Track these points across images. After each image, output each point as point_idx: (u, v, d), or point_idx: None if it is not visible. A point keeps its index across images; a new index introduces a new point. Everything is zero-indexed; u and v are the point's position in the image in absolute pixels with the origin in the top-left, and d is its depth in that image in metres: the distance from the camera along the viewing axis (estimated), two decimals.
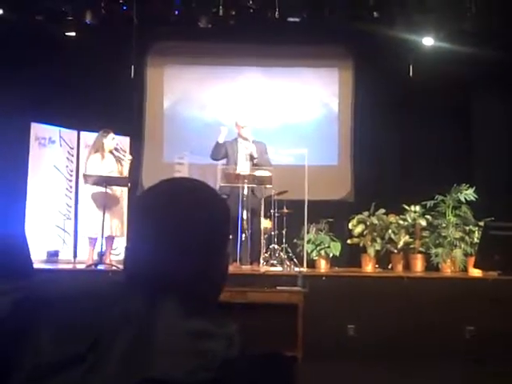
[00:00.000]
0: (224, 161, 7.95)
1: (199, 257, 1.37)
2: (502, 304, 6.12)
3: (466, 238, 7.41)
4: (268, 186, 7.46)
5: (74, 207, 8.44)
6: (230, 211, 1.49)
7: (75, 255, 8.27)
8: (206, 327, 1.28)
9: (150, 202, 1.42)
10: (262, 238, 7.62)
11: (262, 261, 7.33)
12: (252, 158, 7.65)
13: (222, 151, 7.78)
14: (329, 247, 7.55)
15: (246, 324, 4.53)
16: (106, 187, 7.25)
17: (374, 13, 8.41)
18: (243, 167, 7.63)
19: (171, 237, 1.37)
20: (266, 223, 7.84)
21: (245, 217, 7.30)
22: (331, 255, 7.59)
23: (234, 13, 8.47)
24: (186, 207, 1.39)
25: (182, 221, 1.37)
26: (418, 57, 8.77)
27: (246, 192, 7.34)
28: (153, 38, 9.29)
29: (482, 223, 7.11)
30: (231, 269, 7.03)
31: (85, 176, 7.39)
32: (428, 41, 8.74)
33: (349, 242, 7.75)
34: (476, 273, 6.86)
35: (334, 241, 7.63)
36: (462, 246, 7.34)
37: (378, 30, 8.52)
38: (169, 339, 1.25)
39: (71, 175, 8.52)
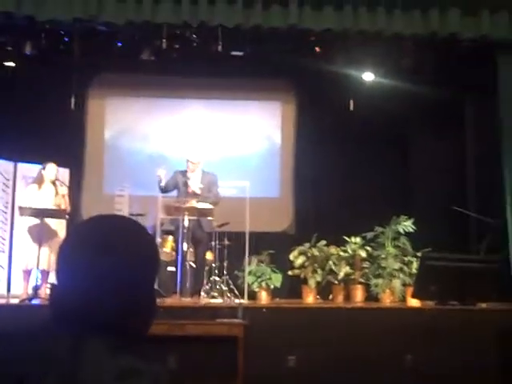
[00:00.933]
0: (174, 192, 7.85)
1: (124, 294, 1.37)
2: (438, 334, 6.18)
3: (405, 268, 7.50)
4: (209, 218, 7.42)
5: (8, 240, 8.21)
6: (157, 249, 1.52)
7: (9, 289, 8.01)
8: (133, 365, 1.28)
9: (75, 239, 1.43)
10: (204, 270, 7.56)
11: (202, 293, 7.24)
12: (197, 191, 7.59)
13: (170, 184, 7.70)
14: (270, 279, 7.51)
15: (185, 357, 4.43)
16: (42, 219, 7.09)
17: (316, 48, 8.58)
18: (188, 199, 7.56)
19: (94, 274, 1.36)
20: (207, 255, 7.80)
21: (185, 249, 7.22)
22: (272, 287, 7.55)
23: (177, 46, 8.51)
24: (111, 245, 1.39)
25: (106, 259, 1.37)
26: (359, 91, 8.96)
27: (187, 224, 7.27)
28: (95, 69, 9.25)
29: (419, 254, 7.23)
30: (171, 302, 6.95)
31: (20, 208, 7.22)
32: (368, 76, 8.94)
33: (290, 273, 7.74)
34: (414, 303, 6.93)
35: (275, 272, 7.61)
36: (401, 276, 7.43)
37: (319, 64, 8.69)
38: (95, 379, 1.25)
39: (6, 207, 8.31)
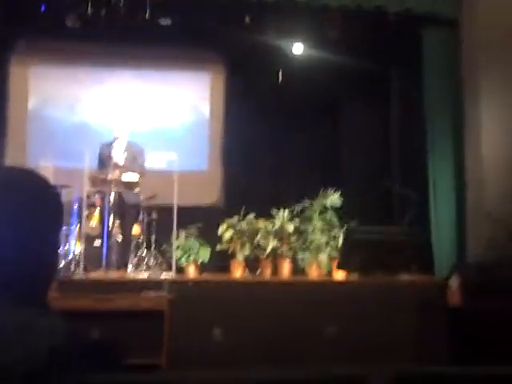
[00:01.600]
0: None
1: (21, 248, 1.38)
2: (362, 305, 6.33)
3: (332, 242, 7.58)
4: (135, 190, 7.30)
5: None
6: (62, 204, 1.49)
7: None
8: (31, 319, 1.32)
9: None
10: (131, 243, 7.46)
11: (129, 267, 7.16)
12: (121, 161, 7.45)
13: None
14: (198, 253, 7.48)
15: (109, 332, 4.36)
16: None
17: (246, 18, 8.48)
18: (113, 171, 7.42)
19: None
20: (134, 229, 7.69)
21: (111, 222, 7.11)
22: (200, 261, 7.53)
23: (103, 13, 8.25)
24: (7, 196, 1.39)
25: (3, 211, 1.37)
26: (288, 63, 8.95)
27: (115, 197, 7.15)
28: (17, 35, 8.88)
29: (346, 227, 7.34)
30: (96, 275, 6.84)
31: None
32: (297, 48, 8.93)
33: (218, 247, 7.72)
34: (340, 276, 7.06)
35: (203, 246, 7.57)
36: (328, 250, 7.50)
37: (249, 35, 8.61)
38: None
39: None
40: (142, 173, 7.49)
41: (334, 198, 7.73)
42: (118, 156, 7.45)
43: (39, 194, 1.45)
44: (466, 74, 7.96)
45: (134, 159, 7.56)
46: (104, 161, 7.53)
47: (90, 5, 7.93)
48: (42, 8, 8.31)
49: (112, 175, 7.23)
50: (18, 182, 1.44)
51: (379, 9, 7.85)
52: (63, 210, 1.50)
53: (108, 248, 7.09)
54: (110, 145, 7.58)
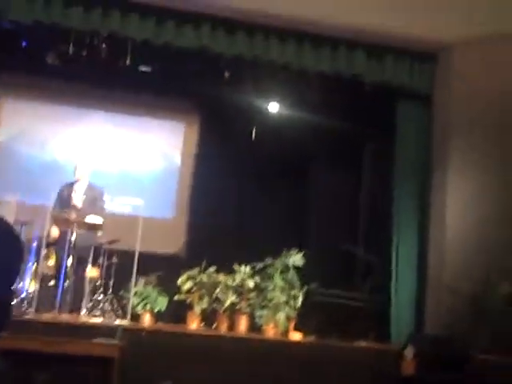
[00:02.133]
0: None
1: None
2: (315, 368, 6.25)
3: (291, 301, 7.54)
4: (99, 233, 7.21)
5: None
6: (23, 251, 1.47)
7: None
8: None
9: None
10: (87, 286, 7.32)
11: (83, 311, 7.01)
12: (82, 202, 7.39)
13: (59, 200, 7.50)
14: (155, 301, 7.37)
15: (57, 377, 4.19)
16: None
17: (225, 73, 8.60)
18: (75, 213, 7.35)
19: None
20: (93, 272, 7.57)
21: (69, 263, 6.98)
22: (157, 310, 7.41)
23: (84, 53, 8.30)
24: None
25: None
26: (263, 121, 9.05)
27: (73, 238, 7.04)
28: None
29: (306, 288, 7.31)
30: (48, 317, 6.67)
31: None
32: (273, 106, 9.05)
33: (176, 297, 7.62)
34: (296, 336, 6.99)
35: (161, 295, 7.47)
36: (286, 309, 7.46)
37: (226, 90, 8.72)
38: None
39: None
40: (102, 215, 7.40)
41: (296, 258, 7.73)
42: (77, 198, 7.39)
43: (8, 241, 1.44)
44: (436, 148, 8.13)
45: (94, 202, 7.49)
46: (63, 201, 7.45)
47: (71, 44, 7.95)
48: (24, 43, 8.32)
49: (75, 216, 7.14)
50: None
51: (357, 77, 8.04)
52: (22, 258, 1.47)
53: (63, 289, 6.95)
54: (70, 185, 7.54)
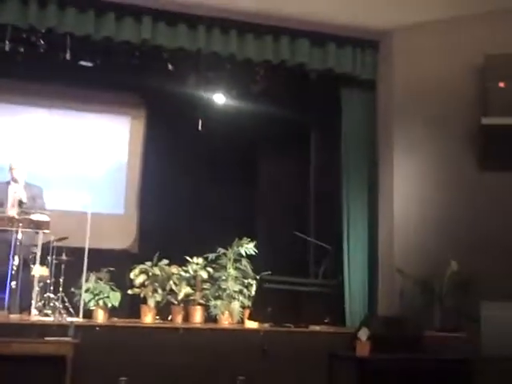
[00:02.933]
0: None
1: None
2: (272, 355, 6.28)
3: (245, 290, 7.57)
4: (45, 231, 7.06)
5: None
6: None
7: None
8: None
9: None
10: (37, 286, 7.15)
11: (33, 310, 6.85)
12: (21, 202, 7.24)
13: None
14: (108, 297, 7.27)
15: (8, 378, 4.10)
16: None
17: (169, 65, 8.53)
18: (11, 211, 7.19)
19: None
20: (42, 270, 7.40)
21: (16, 263, 6.81)
22: (110, 305, 7.31)
23: (22, 49, 8.10)
24: None
25: None
26: (209, 112, 9.02)
27: (20, 237, 6.88)
28: None
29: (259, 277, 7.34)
30: None
31: None
32: (219, 98, 9.03)
33: (129, 292, 7.54)
34: (251, 325, 7.00)
35: (113, 291, 7.38)
36: (240, 298, 7.48)
37: (171, 82, 8.65)
38: None
39: None
40: (44, 213, 7.26)
41: (248, 247, 7.76)
42: (18, 195, 7.24)
43: None
44: (381, 132, 8.26)
45: (33, 200, 7.36)
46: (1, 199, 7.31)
47: (7, 41, 7.74)
48: None
49: (18, 215, 7.00)
50: None
51: (302, 66, 8.10)
52: None
53: (11, 290, 6.79)
54: (6, 184, 7.39)
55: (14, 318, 6.61)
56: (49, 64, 8.27)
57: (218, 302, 7.43)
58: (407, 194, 7.78)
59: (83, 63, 8.39)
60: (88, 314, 7.29)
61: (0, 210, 7.17)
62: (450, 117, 7.64)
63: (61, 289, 7.44)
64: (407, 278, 7.34)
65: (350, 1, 7.52)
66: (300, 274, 8.35)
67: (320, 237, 8.69)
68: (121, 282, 7.82)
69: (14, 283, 6.79)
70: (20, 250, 6.90)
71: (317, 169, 9.66)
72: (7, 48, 7.70)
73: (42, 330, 6.11)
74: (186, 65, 8.53)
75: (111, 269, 7.67)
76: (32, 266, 7.18)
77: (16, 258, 6.81)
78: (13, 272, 6.78)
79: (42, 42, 7.95)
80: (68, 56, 7.84)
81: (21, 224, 6.86)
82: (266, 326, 6.87)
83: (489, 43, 7.42)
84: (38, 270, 7.19)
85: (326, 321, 7.21)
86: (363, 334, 6.20)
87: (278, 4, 7.61)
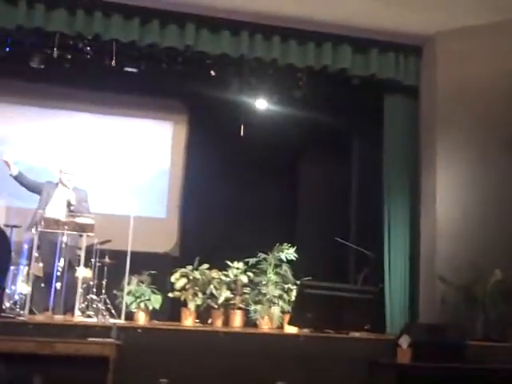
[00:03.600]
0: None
1: None
2: (312, 360, 6.26)
3: (285, 295, 7.57)
4: (90, 233, 7.19)
5: None
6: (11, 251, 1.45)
7: None
8: None
9: None
10: (80, 287, 7.28)
11: (77, 311, 6.98)
12: (69, 204, 7.40)
13: (31, 182, 7.51)
14: (149, 300, 7.35)
15: (53, 378, 4.18)
16: None
17: (211, 71, 8.61)
18: (56, 213, 7.33)
19: None
20: (85, 272, 7.53)
21: (61, 264, 6.96)
22: (151, 308, 7.39)
23: (69, 56, 8.29)
24: None
25: None
26: (251, 118, 9.06)
27: (65, 239, 7.03)
28: None
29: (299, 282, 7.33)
30: (41, 318, 6.64)
31: None
32: (261, 103, 9.07)
33: (170, 295, 7.62)
34: (291, 330, 6.99)
35: (155, 293, 7.45)
36: (281, 303, 7.49)
37: (213, 88, 8.73)
38: None
39: None
40: (88, 217, 7.40)
41: (289, 252, 7.76)
42: (66, 197, 7.39)
43: None
44: (424, 139, 8.18)
45: (80, 203, 7.52)
46: (47, 201, 7.47)
47: (55, 47, 7.92)
48: (7, 48, 8.28)
49: (66, 217, 7.15)
50: None
51: (344, 71, 8.09)
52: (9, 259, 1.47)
53: (56, 291, 6.93)
54: (55, 186, 7.57)
55: (58, 318, 6.74)
56: (95, 70, 8.44)
57: (258, 307, 7.45)
58: (450, 201, 7.69)
59: (128, 69, 8.52)
60: (130, 316, 7.38)
61: (40, 211, 7.31)
62: (494, 122, 7.54)
63: (103, 291, 7.55)
64: (449, 285, 7.26)
65: (392, 6, 7.48)
66: (340, 280, 8.32)
67: (361, 243, 8.64)
68: (162, 285, 7.89)
69: (58, 284, 6.94)
70: (65, 252, 7.06)
71: (358, 175, 9.62)
72: (55, 55, 7.89)
73: (85, 331, 6.22)
74: (229, 70, 8.62)
75: (153, 272, 7.75)
76: (76, 267, 7.31)
77: (61, 259, 6.96)
78: (58, 273, 6.93)
79: (89, 48, 8.13)
80: (113, 62, 7.99)
81: (66, 227, 7.00)
82: (306, 331, 6.86)
83: None
84: (82, 272, 7.32)
85: (366, 327, 7.16)
86: (404, 341, 6.16)
87: (320, 10, 7.62)
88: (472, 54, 7.76)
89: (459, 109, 7.75)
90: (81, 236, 7.18)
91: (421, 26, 7.85)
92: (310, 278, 7.41)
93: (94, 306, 7.34)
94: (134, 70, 8.58)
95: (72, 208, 7.38)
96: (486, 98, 7.63)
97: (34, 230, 7.02)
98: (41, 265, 7.33)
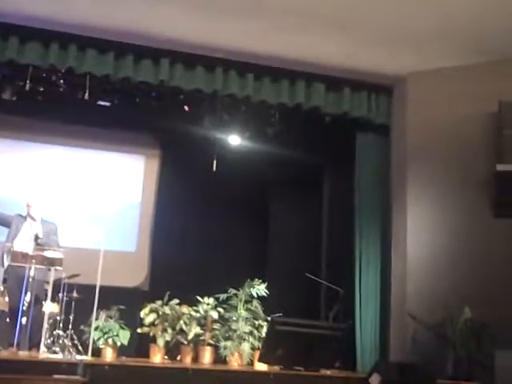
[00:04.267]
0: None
1: None
2: None
3: (255, 332, 7.53)
4: (58, 267, 7.08)
5: None
6: None
7: None
8: None
9: None
10: (46, 322, 7.13)
11: (42, 347, 6.82)
12: (37, 238, 7.29)
13: (5, 220, 7.42)
14: (117, 335, 7.23)
15: None
16: None
17: (185, 106, 8.64)
18: (23, 246, 7.23)
19: None
20: (52, 307, 7.40)
21: (28, 299, 6.82)
22: (119, 344, 7.27)
23: (41, 89, 8.25)
24: None
25: None
26: (224, 153, 9.08)
27: (32, 273, 6.91)
28: None
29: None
30: (6, 354, 6.49)
31: None
32: (234, 139, 9.11)
33: (139, 330, 7.51)
34: (261, 367, 6.92)
35: (123, 329, 7.34)
36: (251, 339, 7.44)
37: (186, 123, 8.75)
38: None
39: None
40: (57, 250, 7.31)
41: (260, 288, 7.74)
42: (32, 233, 7.30)
43: None
44: (395, 177, 8.27)
45: (48, 237, 7.44)
46: (15, 234, 7.36)
47: (28, 80, 7.87)
48: None
49: (34, 251, 7.04)
50: None
51: (317, 109, 8.17)
52: None
53: (21, 326, 6.78)
54: (23, 219, 7.48)
55: (23, 354, 6.59)
56: (68, 103, 8.40)
57: (228, 343, 7.39)
58: (420, 238, 7.74)
59: (101, 103, 8.51)
60: (97, 352, 7.24)
61: (8, 244, 7.21)
62: (465, 163, 7.65)
63: (70, 326, 7.42)
64: (419, 323, 7.26)
65: (365, 46, 7.61)
66: (311, 316, 8.28)
67: (332, 279, 8.63)
68: (131, 320, 7.78)
69: (24, 319, 6.80)
70: (32, 287, 6.93)
71: (329, 211, 9.65)
72: (27, 87, 7.83)
73: (51, 367, 6.09)
74: (202, 106, 8.64)
75: (121, 307, 7.64)
76: (43, 302, 7.18)
77: (28, 294, 6.83)
78: (24, 308, 6.79)
79: (62, 81, 8.10)
80: (87, 95, 7.96)
81: (34, 260, 6.89)
82: (276, 368, 6.80)
83: (503, 90, 7.47)
84: (49, 307, 7.19)
85: (336, 365, 7.12)
86: (375, 380, 6.11)
87: (294, 48, 7.72)
88: (442, 95, 7.90)
89: (429, 148, 7.86)
90: (49, 270, 7.07)
91: (393, 66, 8.00)
92: (280, 314, 7.37)
93: (61, 341, 7.20)
94: (108, 103, 8.56)
95: (39, 241, 7.27)
96: (455, 138, 7.75)
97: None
98: (6, 299, 7.18)
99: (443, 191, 7.74)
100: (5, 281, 7.20)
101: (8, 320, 7.10)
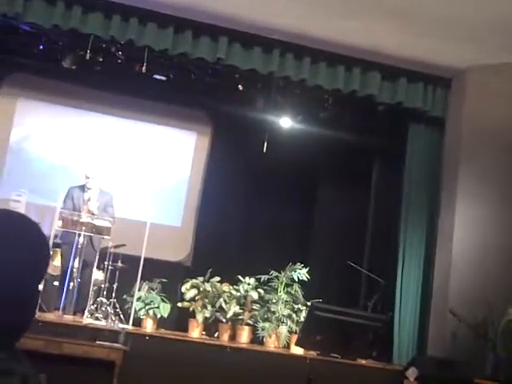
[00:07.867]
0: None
1: (4, 287, 1.35)
2: (316, 383, 6.21)
3: (294, 315, 7.55)
4: (106, 236, 7.22)
5: None
6: (48, 253, 1.49)
7: None
8: (5, 364, 1.30)
9: None
10: (91, 289, 7.31)
11: (86, 313, 6.99)
12: (92, 214, 7.42)
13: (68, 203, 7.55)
14: (158, 307, 7.37)
15: (57, 378, 4.17)
16: None
17: (239, 85, 8.66)
18: (84, 215, 7.37)
19: None
20: (97, 275, 7.57)
21: (76, 265, 6.99)
22: (159, 316, 7.40)
23: (100, 59, 8.37)
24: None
25: None
26: (274, 135, 9.08)
27: (81, 240, 7.06)
28: (10, 67, 8.91)
29: (309, 303, 7.28)
30: (51, 317, 6.67)
31: None
32: (286, 122, 9.09)
33: (179, 305, 7.62)
34: (297, 350, 6.96)
35: (164, 302, 7.47)
36: (289, 323, 7.47)
37: (240, 102, 8.78)
38: None
39: None
40: (112, 221, 7.45)
41: (301, 273, 7.75)
42: (92, 204, 7.43)
43: (32, 239, 1.44)
44: (446, 171, 8.15)
45: (105, 207, 7.57)
46: (73, 203, 7.50)
47: (88, 50, 7.98)
48: (41, 46, 8.38)
49: (85, 218, 7.19)
50: (16, 225, 1.45)
51: (371, 97, 8.08)
52: (47, 260, 1.49)
53: (68, 291, 6.96)
54: (81, 189, 7.60)
55: (68, 318, 6.76)
56: (125, 75, 8.51)
57: (266, 325, 7.43)
58: (467, 234, 7.64)
59: (157, 77, 8.59)
60: (137, 322, 7.39)
61: (75, 212, 7.35)
62: None
63: (114, 295, 7.55)
64: (460, 320, 7.18)
65: (425, 37, 7.48)
66: (350, 304, 8.27)
67: (374, 269, 8.60)
68: (172, 293, 7.91)
69: (71, 284, 6.97)
70: (81, 253, 7.09)
71: (376, 200, 9.58)
72: (88, 57, 7.95)
73: (94, 333, 6.24)
74: (257, 87, 8.65)
75: (164, 280, 7.77)
76: (93, 269, 7.35)
77: (76, 260, 7.00)
78: (73, 274, 6.97)
79: (121, 53, 8.20)
80: (144, 69, 8.03)
81: (84, 228, 7.04)
82: (313, 353, 6.82)
83: None
84: (94, 274, 7.35)
85: (373, 354, 7.11)
86: (412, 373, 6.11)
87: (352, 35, 7.63)
88: (501, 90, 7.74)
89: (484, 144, 7.72)
90: (99, 238, 7.23)
91: (452, 58, 7.84)
92: (320, 300, 7.38)
93: (104, 309, 7.35)
94: (163, 77, 8.65)
95: (94, 217, 7.39)
96: (511, 135, 7.60)
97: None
98: (55, 263, 7.37)
99: (495, 188, 7.60)
100: (59, 245, 7.39)
101: (56, 283, 7.29)
